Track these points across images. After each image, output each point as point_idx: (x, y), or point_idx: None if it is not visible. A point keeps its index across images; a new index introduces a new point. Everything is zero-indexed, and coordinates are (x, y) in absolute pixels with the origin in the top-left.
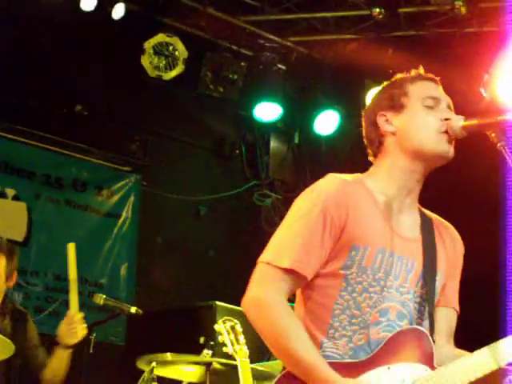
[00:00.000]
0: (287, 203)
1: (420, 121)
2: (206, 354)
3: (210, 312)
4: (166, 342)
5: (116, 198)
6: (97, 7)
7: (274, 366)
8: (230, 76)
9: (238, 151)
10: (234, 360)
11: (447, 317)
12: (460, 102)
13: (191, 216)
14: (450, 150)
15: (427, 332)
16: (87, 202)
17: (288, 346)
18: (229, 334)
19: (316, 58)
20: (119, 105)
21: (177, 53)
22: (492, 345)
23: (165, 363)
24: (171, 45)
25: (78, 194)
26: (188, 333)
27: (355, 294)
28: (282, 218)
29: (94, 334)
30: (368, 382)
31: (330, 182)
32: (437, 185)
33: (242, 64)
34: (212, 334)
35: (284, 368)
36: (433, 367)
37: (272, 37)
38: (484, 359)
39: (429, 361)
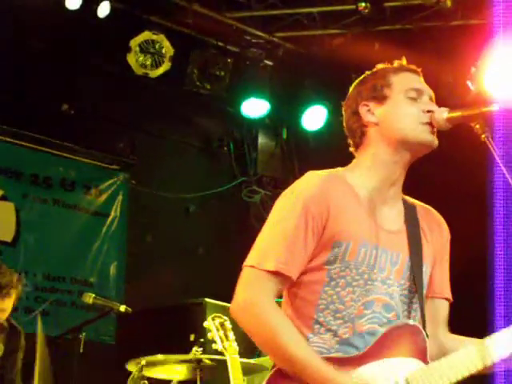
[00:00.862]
0: (276, 199)
1: (403, 112)
2: (196, 351)
3: (199, 309)
4: (156, 339)
5: (104, 196)
6: (82, 6)
7: (264, 362)
8: (217, 73)
9: (225, 148)
10: (224, 356)
11: (440, 307)
12: (447, 94)
13: (180, 214)
14: (432, 140)
15: (420, 326)
16: (75, 201)
17: (280, 345)
18: (218, 330)
19: (303, 54)
20: (106, 103)
21: (163, 50)
22: (479, 343)
23: (154, 364)
24: (157, 42)
25: (66, 194)
26: (178, 330)
27: (339, 288)
28: None
29: (84, 333)
30: (362, 376)
31: (309, 181)
32: (423, 176)
33: (229, 60)
34: (202, 331)
35: (274, 366)
36: (426, 362)
37: (258, 33)
38: (471, 358)
39: (422, 355)
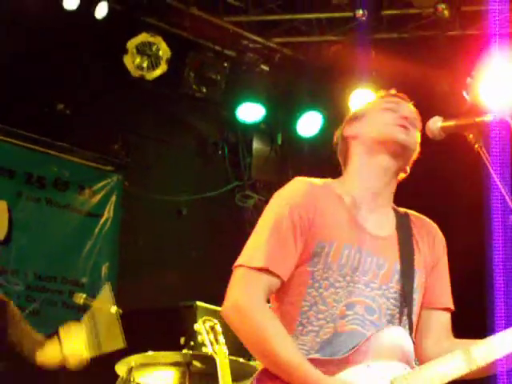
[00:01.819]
0: None
1: (377, 118)
2: (187, 353)
3: (190, 312)
4: (147, 342)
5: (98, 197)
6: (80, 6)
7: (255, 366)
8: (213, 76)
9: (220, 152)
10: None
11: (440, 319)
12: (442, 104)
13: (173, 216)
14: (405, 137)
15: (406, 331)
16: (69, 201)
17: (268, 347)
18: (208, 333)
19: (299, 60)
20: (102, 104)
21: (160, 52)
22: (465, 349)
23: (144, 365)
24: (154, 44)
25: (59, 194)
26: (169, 333)
27: (321, 289)
28: None
29: None
30: (347, 379)
31: (297, 185)
32: (417, 188)
33: (225, 64)
34: (193, 335)
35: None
36: (412, 366)
37: (255, 38)
38: (456, 363)
39: (408, 360)
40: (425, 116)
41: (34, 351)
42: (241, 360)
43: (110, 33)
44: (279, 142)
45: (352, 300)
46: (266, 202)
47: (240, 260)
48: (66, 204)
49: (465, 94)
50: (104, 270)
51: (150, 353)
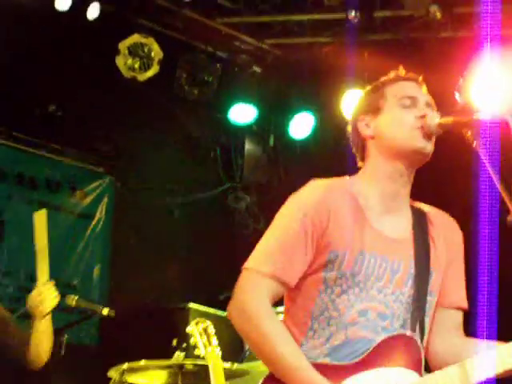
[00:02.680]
0: (261, 206)
1: (395, 120)
2: (179, 356)
3: (183, 314)
4: (139, 344)
5: (89, 198)
6: (71, 7)
7: (248, 367)
8: (206, 78)
9: (212, 153)
10: (207, 362)
11: (452, 317)
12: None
13: (165, 218)
14: (425, 146)
15: (416, 337)
16: (60, 202)
17: (272, 350)
18: (201, 335)
19: (292, 61)
20: (93, 105)
21: (152, 54)
22: (464, 362)
23: (136, 369)
24: (146, 46)
25: (51, 195)
26: (161, 335)
27: (334, 295)
28: (256, 220)
29: (66, 336)
30: None
31: (313, 189)
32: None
33: (218, 66)
34: (185, 336)
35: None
36: (420, 373)
37: (248, 39)
38: (456, 376)
39: (417, 366)
40: None
41: (23, 352)
42: (234, 366)
43: (102, 34)
44: (271, 143)
45: (364, 306)
46: (258, 203)
47: (249, 263)
48: (58, 205)
49: (456, 95)
50: (96, 271)
51: (143, 362)
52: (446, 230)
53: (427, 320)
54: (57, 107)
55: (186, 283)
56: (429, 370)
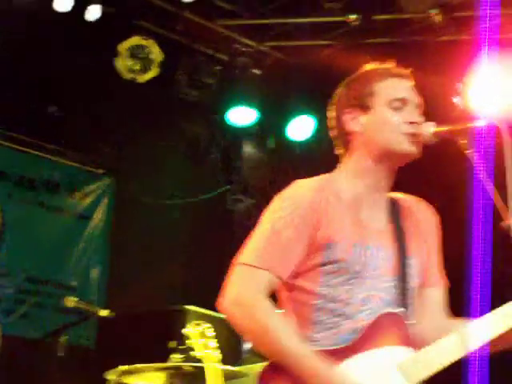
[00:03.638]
0: (260, 208)
1: (385, 123)
2: (176, 358)
3: (181, 316)
4: (137, 345)
5: (89, 200)
6: (72, 8)
7: (246, 369)
8: (205, 80)
9: (211, 155)
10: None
11: (431, 295)
12: (433, 109)
13: (164, 219)
14: (414, 151)
15: (403, 315)
16: (59, 203)
17: (272, 339)
18: (198, 338)
19: (291, 64)
20: (93, 107)
21: (152, 55)
22: (461, 330)
23: (134, 372)
24: (146, 47)
25: (50, 196)
26: (159, 337)
27: (334, 287)
28: (254, 222)
29: (65, 337)
30: (353, 367)
31: (301, 188)
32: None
33: (217, 68)
34: (183, 338)
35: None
36: (413, 348)
37: (247, 41)
38: (451, 346)
39: (408, 343)
40: None
41: None
42: (232, 368)
43: (102, 35)
44: (271, 145)
45: (366, 295)
46: (257, 205)
47: (242, 259)
48: (57, 206)
49: (455, 99)
50: (94, 273)
51: (140, 364)
52: (421, 215)
53: (412, 302)
54: (56, 108)
55: (184, 285)
56: None
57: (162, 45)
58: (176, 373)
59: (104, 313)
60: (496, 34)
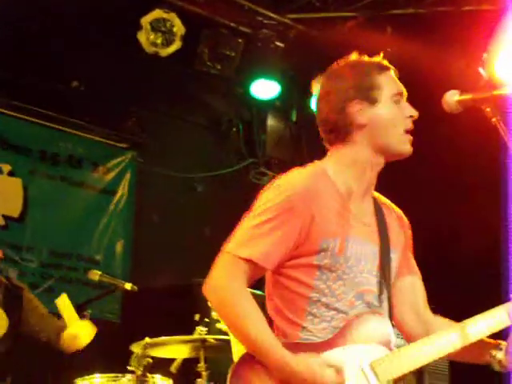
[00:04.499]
0: None
1: (391, 119)
2: (201, 330)
3: None
4: (161, 319)
5: (112, 174)
6: None
7: None
8: (228, 53)
9: (234, 129)
10: (228, 336)
11: (416, 284)
12: (458, 80)
13: (187, 193)
14: (409, 151)
15: (386, 314)
16: (83, 178)
17: (245, 329)
18: None
19: (314, 36)
20: (116, 81)
21: (174, 29)
22: (463, 323)
23: (159, 344)
24: (168, 21)
25: (73, 171)
26: (183, 310)
27: (330, 282)
28: None
29: (90, 311)
30: (327, 361)
31: (295, 178)
32: (436, 166)
33: (240, 41)
34: (207, 311)
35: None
36: (390, 348)
37: (270, 14)
38: (454, 337)
39: (387, 342)
40: (441, 92)
41: (57, 336)
42: None
43: (125, 9)
44: (294, 118)
45: (360, 290)
46: None
47: (228, 247)
48: (81, 181)
49: (481, 69)
50: (118, 247)
51: (165, 337)
52: (396, 218)
53: (392, 298)
54: (79, 83)
55: (208, 258)
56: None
57: (184, 18)
58: (201, 345)
59: (128, 286)
60: None
